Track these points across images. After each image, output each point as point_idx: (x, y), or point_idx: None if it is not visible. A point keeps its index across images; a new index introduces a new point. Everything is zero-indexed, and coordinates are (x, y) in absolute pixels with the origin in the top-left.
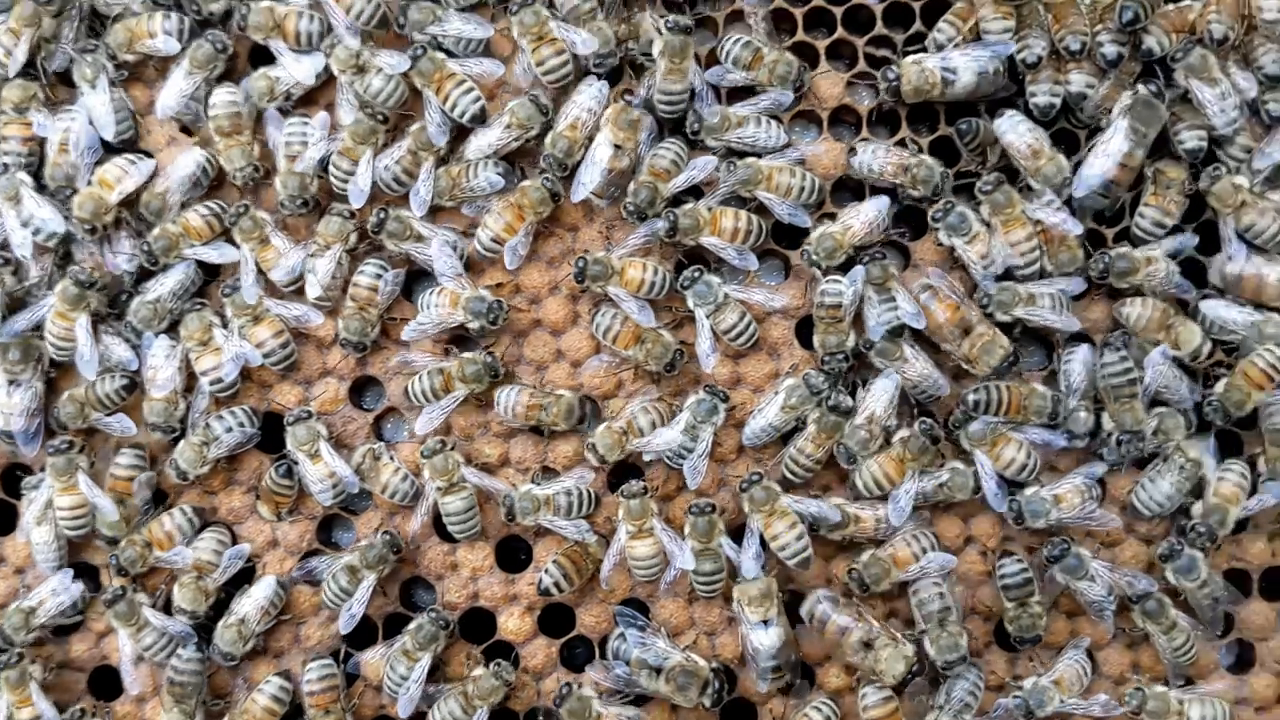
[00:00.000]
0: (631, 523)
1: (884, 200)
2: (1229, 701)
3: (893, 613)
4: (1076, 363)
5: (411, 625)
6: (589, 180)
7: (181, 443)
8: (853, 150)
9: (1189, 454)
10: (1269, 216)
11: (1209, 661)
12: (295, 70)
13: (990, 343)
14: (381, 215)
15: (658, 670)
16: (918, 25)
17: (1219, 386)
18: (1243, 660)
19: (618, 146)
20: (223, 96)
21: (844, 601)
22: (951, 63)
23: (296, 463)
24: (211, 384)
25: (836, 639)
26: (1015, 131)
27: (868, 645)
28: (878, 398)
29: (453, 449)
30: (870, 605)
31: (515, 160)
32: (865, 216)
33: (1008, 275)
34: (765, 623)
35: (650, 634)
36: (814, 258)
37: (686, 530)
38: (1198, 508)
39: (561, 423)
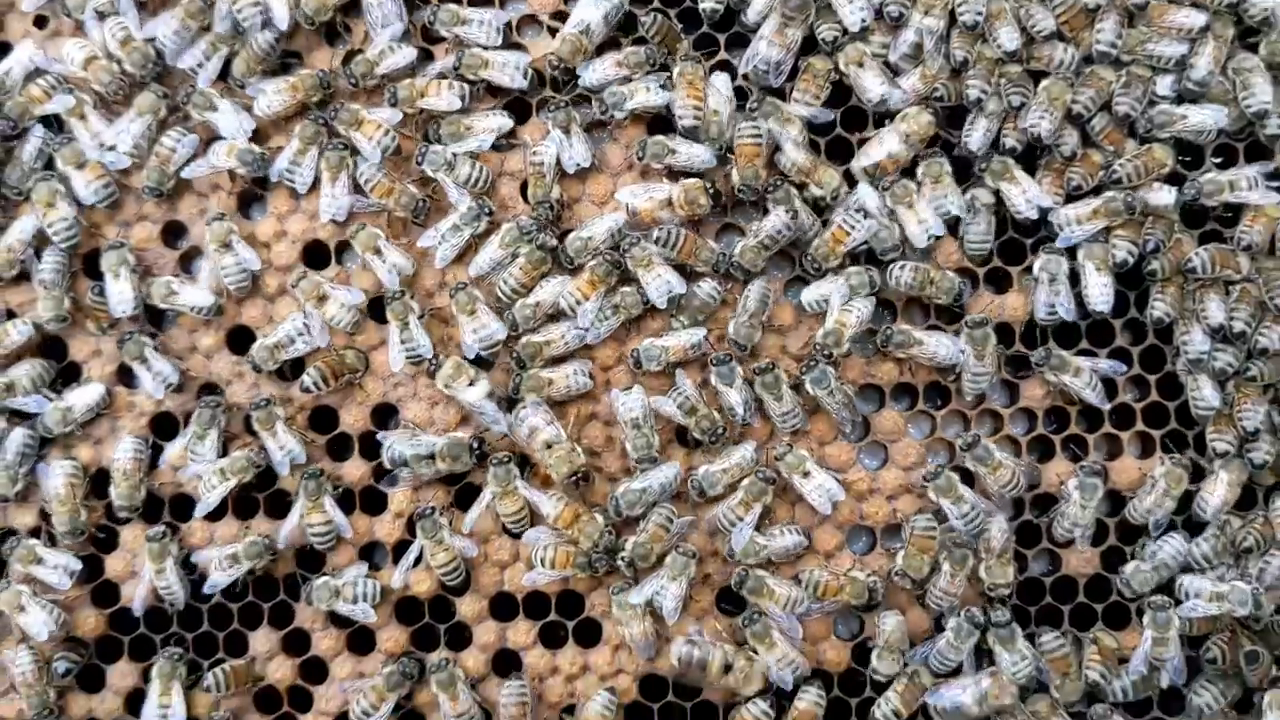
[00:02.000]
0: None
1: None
2: (855, 488)
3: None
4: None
5: (193, 415)
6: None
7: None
8: (578, 71)
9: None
10: (881, 77)
11: (848, 458)
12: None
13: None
14: (189, 91)
15: (432, 457)
16: None
17: (815, 243)
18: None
19: None
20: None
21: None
22: (580, 13)
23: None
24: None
25: (528, 439)
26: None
27: (549, 446)
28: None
29: None
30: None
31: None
32: (488, 123)
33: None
34: (472, 383)
35: (412, 430)
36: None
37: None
38: (820, 330)
39: None
